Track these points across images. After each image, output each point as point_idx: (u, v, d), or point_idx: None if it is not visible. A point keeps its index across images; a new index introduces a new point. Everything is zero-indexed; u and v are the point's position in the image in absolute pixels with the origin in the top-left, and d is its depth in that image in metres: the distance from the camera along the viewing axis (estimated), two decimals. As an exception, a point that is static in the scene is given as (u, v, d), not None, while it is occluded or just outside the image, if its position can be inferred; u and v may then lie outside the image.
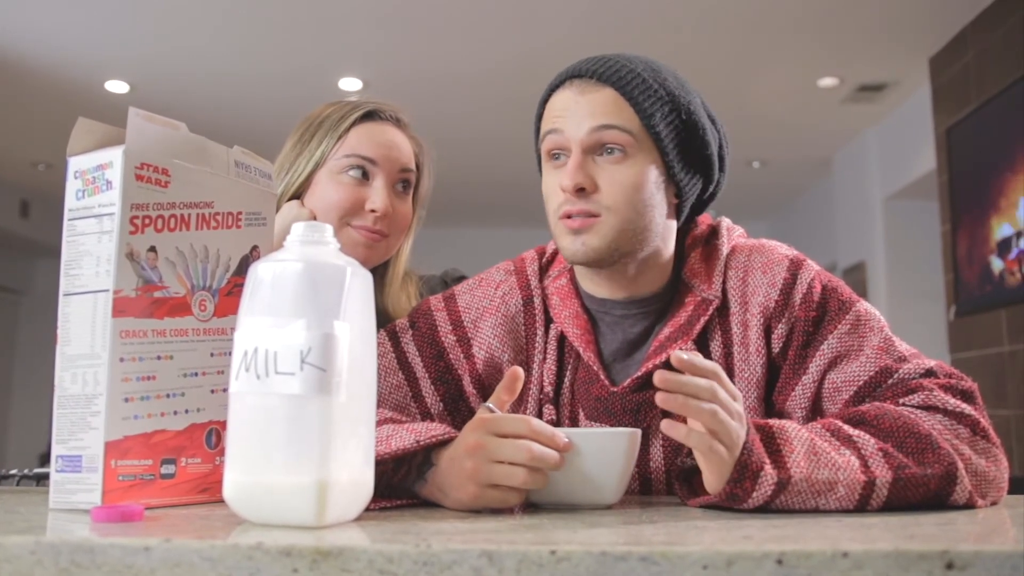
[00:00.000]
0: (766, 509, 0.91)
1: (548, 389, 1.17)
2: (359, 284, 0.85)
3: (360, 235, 1.34)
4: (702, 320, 1.14)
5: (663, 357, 1.11)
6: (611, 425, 1.14)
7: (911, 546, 0.66)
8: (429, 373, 1.20)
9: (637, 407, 1.13)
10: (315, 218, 1.34)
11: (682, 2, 4.03)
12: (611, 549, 0.66)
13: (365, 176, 1.35)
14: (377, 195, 1.33)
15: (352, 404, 0.82)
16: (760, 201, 7.73)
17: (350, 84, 4.91)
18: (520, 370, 1.02)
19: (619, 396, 1.14)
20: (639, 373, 1.13)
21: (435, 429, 0.99)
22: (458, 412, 1.21)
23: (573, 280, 1.22)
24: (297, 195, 1.38)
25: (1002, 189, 3.87)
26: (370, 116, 1.38)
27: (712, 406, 0.88)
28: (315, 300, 0.81)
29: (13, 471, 1.30)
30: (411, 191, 1.41)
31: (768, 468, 0.89)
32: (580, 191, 1.08)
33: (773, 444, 0.92)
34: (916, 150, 5.12)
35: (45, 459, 0.99)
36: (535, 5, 4.04)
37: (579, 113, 1.10)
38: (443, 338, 1.21)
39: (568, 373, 1.18)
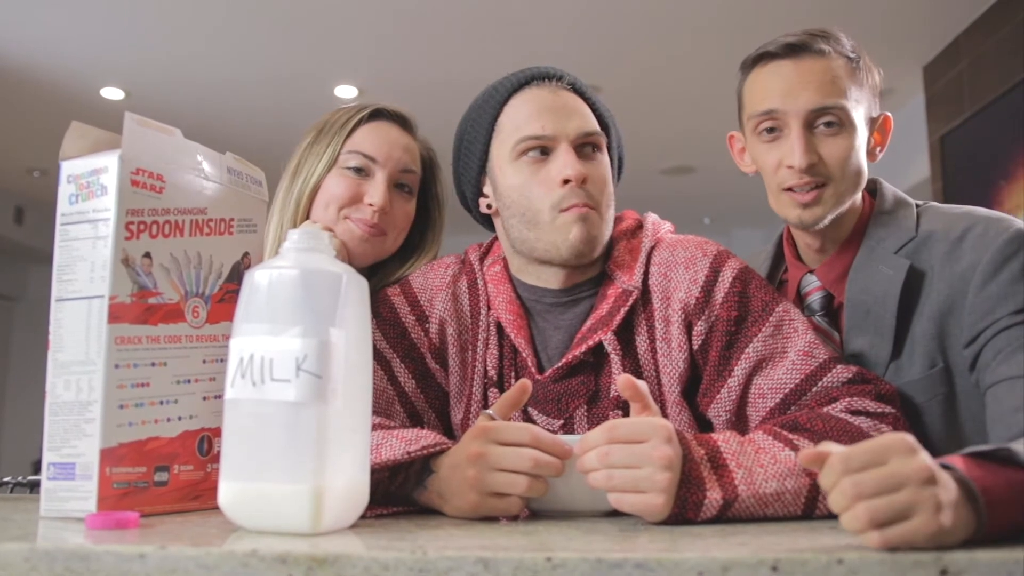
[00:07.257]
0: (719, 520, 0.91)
1: (492, 373, 1.19)
2: (355, 291, 0.85)
3: (358, 227, 1.36)
4: (622, 311, 1.16)
5: (583, 348, 1.14)
6: (538, 412, 1.16)
7: (906, 553, 0.66)
8: (397, 353, 1.22)
9: (559, 396, 1.16)
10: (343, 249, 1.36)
11: (676, 11, 4.04)
12: (606, 556, 0.66)
13: (366, 172, 1.36)
14: (376, 190, 1.35)
15: (348, 411, 0.82)
16: (756, 209, 7.73)
17: (346, 91, 4.91)
18: (528, 383, 1.03)
19: (542, 385, 1.16)
20: (560, 363, 1.16)
21: (425, 438, 0.99)
22: (429, 388, 1.23)
23: (506, 268, 1.25)
24: (312, 198, 1.40)
25: (996, 196, 3.88)
26: (375, 116, 1.41)
27: (620, 473, 0.88)
28: (311, 307, 0.81)
29: (7, 478, 1.29)
30: (414, 195, 1.42)
31: (710, 495, 0.89)
32: (583, 181, 1.15)
33: (719, 459, 0.92)
34: (910, 158, 5.13)
35: (39, 466, 0.98)
36: (531, 12, 4.04)
37: (563, 115, 1.17)
38: (404, 319, 1.25)
39: (508, 357, 1.21)
